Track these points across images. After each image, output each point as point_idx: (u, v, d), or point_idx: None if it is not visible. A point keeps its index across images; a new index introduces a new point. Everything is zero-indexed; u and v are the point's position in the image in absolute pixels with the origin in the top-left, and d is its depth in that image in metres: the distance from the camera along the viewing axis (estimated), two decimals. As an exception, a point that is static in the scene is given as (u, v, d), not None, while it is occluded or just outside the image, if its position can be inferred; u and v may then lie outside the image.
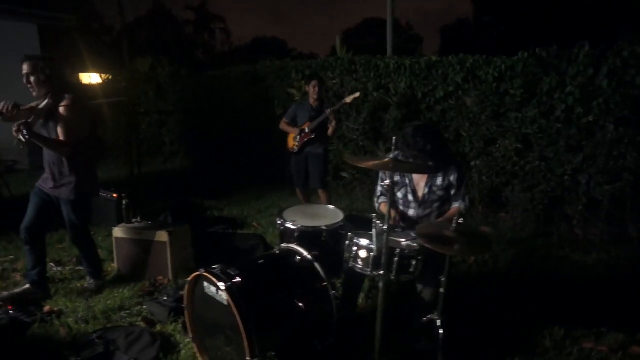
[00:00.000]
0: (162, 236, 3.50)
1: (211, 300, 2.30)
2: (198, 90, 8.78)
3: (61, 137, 3.00)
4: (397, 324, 2.65)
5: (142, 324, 2.88)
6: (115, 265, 3.77)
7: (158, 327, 2.85)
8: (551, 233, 4.91)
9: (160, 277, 3.56)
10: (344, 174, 6.65)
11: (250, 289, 2.21)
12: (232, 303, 2.10)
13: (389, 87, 5.90)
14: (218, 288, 2.19)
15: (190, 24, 32.03)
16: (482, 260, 4.04)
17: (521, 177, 5.13)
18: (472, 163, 5.33)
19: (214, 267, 2.32)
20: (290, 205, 5.78)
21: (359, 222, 3.47)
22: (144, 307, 3.10)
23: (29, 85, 3.00)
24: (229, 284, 2.15)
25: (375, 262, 2.34)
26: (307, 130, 4.72)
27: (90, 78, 12.73)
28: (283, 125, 5.00)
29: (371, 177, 6.47)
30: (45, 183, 3.19)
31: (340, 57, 6.39)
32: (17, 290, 3.23)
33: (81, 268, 3.78)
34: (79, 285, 3.47)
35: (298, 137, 4.80)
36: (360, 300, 3.06)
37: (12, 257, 4.04)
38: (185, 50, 29.21)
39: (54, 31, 10.06)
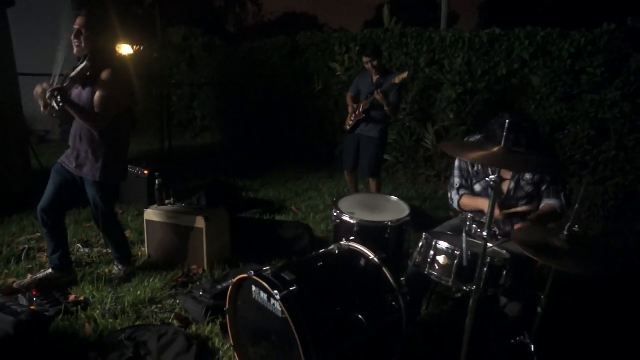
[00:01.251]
0: (199, 222, 3.15)
1: (260, 307, 1.93)
2: (233, 63, 8.36)
3: (97, 108, 2.63)
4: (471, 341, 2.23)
5: (176, 323, 2.55)
6: (145, 249, 3.46)
7: (193, 327, 2.51)
8: (622, 232, 4.35)
9: (195, 267, 3.22)
10: (387, 157, 6.16)
11: (308, 299, 1.82)
12: (288, 315, 1.72)
13: (444, 63, 5.34)
14: (271, 296, 1.81)
15: (221, -5, 31.39)
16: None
17: (592, 168, 4.57)
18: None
19: (265, 269, 1.94)
20: (331, 188, 5.50)
21: (416, 216, 3.02)
22: (177, 302, 2.76)
23: (75, 40, 2.64)
24: (285, 292, 1.76)
25: (460, 272, 1.91)
26: (360, 110, 4.16)
27: (121, 49, 12.48)
28: (348, 98, 4.44)
29: (416, 161, 5.99)
30: (69, 160, 2.85)
31: (389, 29, 5.82)
32: (40, 275, 2.92)
33: (108, 251, 3.49)
34: (107, 270, 3.17)
35: (353, 115, 4.27)
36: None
37: (38, 234, 3.77)
38: (215, 23, 28.70)
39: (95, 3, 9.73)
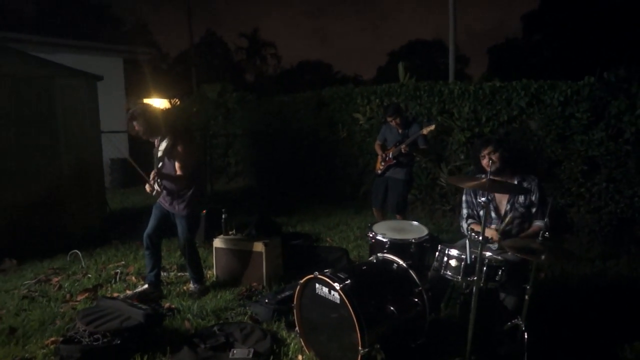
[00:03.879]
0: (259, 247, 3.94)
1: (321, 300, 2.67)
2: (264, 115, 9.41)
3: (179, 172, 3.54)
4: (479, 328, 2.89)
5: (250, 322, 3.29)
6: (212, 272, 4.23)
7: (264, 325, 3.24)
8: (619, 254, 4.94)
9: (255, 284, 3.97)
10: (406, 194, 6.93)
11: (359, 290, 2.56)
12: (346, 301, 2.45)
13: (453, 111, 6.19)
14: (331, 288, 2.56)
15: (242, 50, 33.64)
16: (552, 275, 4.20)
17: (587, 199, 5.24)
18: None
19: (325, 271, 2.69)
20: (359, 222, 6.30)
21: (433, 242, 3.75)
22: (247, 308, 3.51)
23: (146, 138, 3.58)
24: (342, 285, 2.51)
25: (466, 269, 2.64)
26: (390, 156, 4.95)
27: (158, 103, 13.78)
28: (376, 146, 5.26)
29: (433, 197, 6.73)
30: (164, 199, 3.72)
31: (404, 84, 6.76)
32: (138, 289, 3.74)
33: (182, 274, 4.28)
34: (184, 288, 3.95)
35: (383, 162, 5.06)
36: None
37: (122, 262, 4.60)
38: (235, 74, 30.65)
39: (135, 63, 11.09)
